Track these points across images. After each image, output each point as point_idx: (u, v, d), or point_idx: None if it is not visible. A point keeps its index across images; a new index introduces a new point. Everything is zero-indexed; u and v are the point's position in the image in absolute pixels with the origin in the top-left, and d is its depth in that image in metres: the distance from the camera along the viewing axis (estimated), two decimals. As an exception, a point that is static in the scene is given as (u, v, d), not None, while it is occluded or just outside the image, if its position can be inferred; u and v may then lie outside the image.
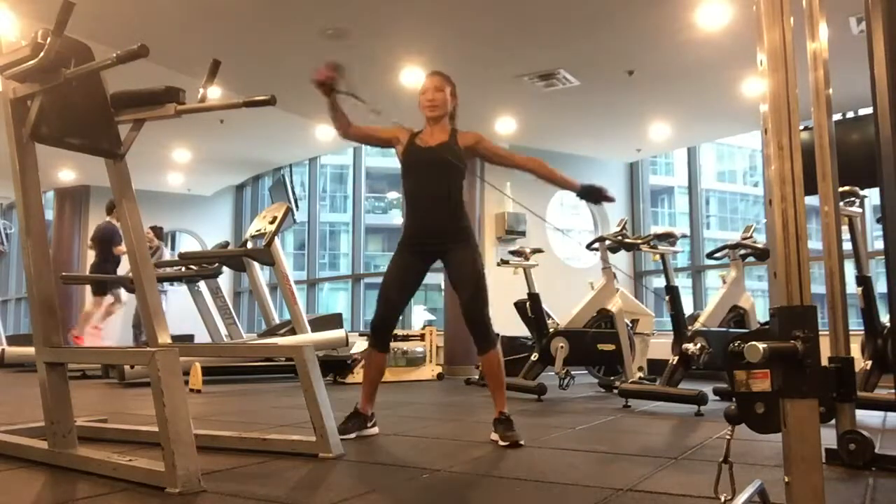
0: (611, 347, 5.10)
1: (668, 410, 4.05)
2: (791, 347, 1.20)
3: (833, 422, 2.24)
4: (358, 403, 3.03)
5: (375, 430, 3.07)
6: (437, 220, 3.02)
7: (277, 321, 7.26)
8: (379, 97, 6.46)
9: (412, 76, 5.97)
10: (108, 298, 7.95)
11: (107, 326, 8.16)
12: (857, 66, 2.36)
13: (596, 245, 5.35)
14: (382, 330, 3.04)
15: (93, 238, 8.22)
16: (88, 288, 8.35)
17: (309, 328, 6.73)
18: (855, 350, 2.67)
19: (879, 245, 4.03)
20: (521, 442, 2.76)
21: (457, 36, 5.36)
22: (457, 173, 3.04)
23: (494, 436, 2.87)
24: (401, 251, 3.07)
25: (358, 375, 6.34)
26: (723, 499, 1.37)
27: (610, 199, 3.08)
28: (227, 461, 2.40)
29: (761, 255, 4.70)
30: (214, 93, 2.46)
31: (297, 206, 8.49)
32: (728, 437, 1.34)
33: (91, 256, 8.38)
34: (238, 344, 6.65)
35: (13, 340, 8.48)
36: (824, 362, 1.43)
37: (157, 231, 8.59)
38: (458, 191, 3.06)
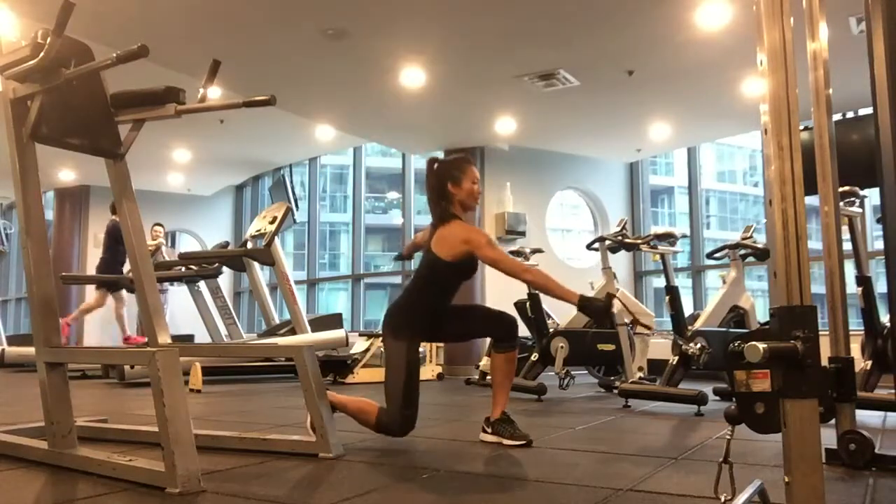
0: (611, 347, 5.10)
1: (668, 410, 4.05)
2: (791, 347, 1.20)
3: (833, 422, 2.24)
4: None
5: None
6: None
7: (277, 321, 7.26)
8: (379, 97, 6.51)
9: (412, 77, 5.97)
10: (110, 298, 7.90)
11: (106, 326, 8.14)
12: (857, 66, 2.36)
13: (596, 245, 5.35)
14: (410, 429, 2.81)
15: (104, 237, 8.13)
16: (93, 290, 8.29)
17: (309, 328, 6.73)
18: (855, 350, 2.67)
19: (879, 245, 4.03)
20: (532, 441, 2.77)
21: (457, 36, 5.36)
22: None
23: (490, 437, 2.86)
24: (416, 340, 2.87)
25: (358, 376, 6.35)
26: (723, 499, 1.37)
27: (608, 310, 2.89)
28: (227, 461, 2.40)
29: (761, 255, 4.70)
30: (214, 93, 2.46)
31: (297, 206, 8.50)
32: (728, 437, 1.34)
33: (95, 257, 8.33)
34: (238, 344, 6.65)
35: (13, 340, 8.48)
36: (824, 362, 1.43)
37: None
38: None
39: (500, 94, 6.54)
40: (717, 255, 5.02)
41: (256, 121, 8.00)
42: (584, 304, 2.69)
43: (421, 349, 6.76)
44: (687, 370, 4.23)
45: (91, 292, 8.38)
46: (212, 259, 7.04)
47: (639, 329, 5.77)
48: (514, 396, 4.78)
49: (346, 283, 11.21)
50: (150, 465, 2.03)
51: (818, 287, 1.75)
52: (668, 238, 4.66)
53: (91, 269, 9.15)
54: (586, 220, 9.36)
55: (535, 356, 5.15)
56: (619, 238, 5.12)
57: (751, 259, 4.90)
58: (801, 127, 1.31)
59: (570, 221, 12.09)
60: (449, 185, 2.91)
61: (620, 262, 7.75)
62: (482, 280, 7.50)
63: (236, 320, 7.52)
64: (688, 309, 5.62)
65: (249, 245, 7.10)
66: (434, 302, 2.90)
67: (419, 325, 2.88)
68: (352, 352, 6.65)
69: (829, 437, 1.86)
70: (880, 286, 3.57)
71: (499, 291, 7.20)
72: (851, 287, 3.26)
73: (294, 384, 5.39)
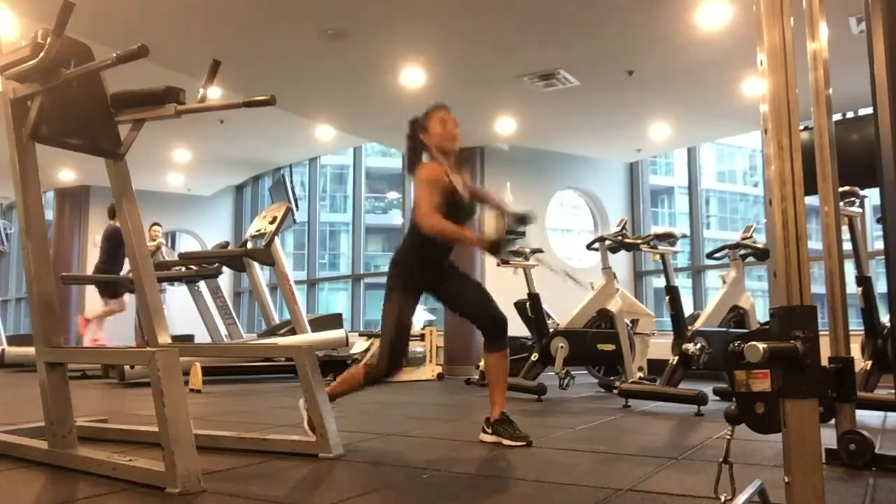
0: (611, 347, 5.09)
1: (668, 410, 4.05)
2: (791, 347, 1.20)
3: (833, 422, 2.24)
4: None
5: None
6: (449, 261, 2.98)
7: (277, 321, 7.26)
8: (379, 97, 6.51)
9: (412, 77, 5.97)
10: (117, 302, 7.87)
11: (107, 327, 8.13)
12: (857, 66, 2.36)
13: (596, 245, 5.35)
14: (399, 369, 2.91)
15: (102, 242, 8.09)
16: (93, 290, 8.27)
17: (309, 328, 6.73)
18: (855, 350, 2.67)
19: (879, 245, 4.02)
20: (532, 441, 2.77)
21: (457, 36, 5.36)
22: None
23: (490, 437, 2.86)
24: (409, 291, 2.91)
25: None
26: (723, 499, 1.37)
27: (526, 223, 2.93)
28: (227, 461, 2.40)
29: (761, 255, 4.70)
30: (214, 93, 2.46)
31: (297, 206, 8.50)
32: (728, 437, 1.34)
33: (95, 257, 8.31)
34: (238, 344, 6.65)
35: (13, 340, 8.48)
36: (824, 362, 1.43)
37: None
38: None
39: (500, 94, 6.54)
40: (717, 255, 5.01)
41: (256, 121, 8.00)
42: (490, 242, 2.72)
43: (421, 349, 6.79)
44: (687, 370, 4.23)
45: (93, 296, 8.34)
46: (212, 259, 7.04)
47: (639, 329, 5.79)
48: (514, 396, 4.79)
49: (346, 283, 11.20)
50: (150, 465, 2.03)
51: (818, 287, 1.75)
52: (668, 238, 4.66)
53: (91, 269, 9.13)
54: (586, 220, 9.36)
55: (535, 356, 5.15)
56: (619, 238, 5.11)
57: (751, 259, 4.90)
58: (801, 127, 1.31)
59: (570, 221, 12.09)
60: (421, 136, 2.90)
61: (620, 262, 7.74)
62: (482, 278, 7.50)
63: (236, 320, 7.52)
64: (688, 309, 5.63)
65: (249, 245, 7.10)
66: (429, 247, 2.85)
67: (417, 273, 2.88)
68: (352, 352, 6.64)
69: (829, 437, 1.86)
70: (880, 286, 3.57)
71: (499, 290, 7.19)
72: (851, 287, 3.26)
73: (294, 384, 5.39)
